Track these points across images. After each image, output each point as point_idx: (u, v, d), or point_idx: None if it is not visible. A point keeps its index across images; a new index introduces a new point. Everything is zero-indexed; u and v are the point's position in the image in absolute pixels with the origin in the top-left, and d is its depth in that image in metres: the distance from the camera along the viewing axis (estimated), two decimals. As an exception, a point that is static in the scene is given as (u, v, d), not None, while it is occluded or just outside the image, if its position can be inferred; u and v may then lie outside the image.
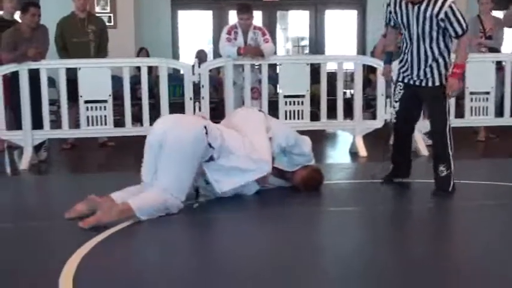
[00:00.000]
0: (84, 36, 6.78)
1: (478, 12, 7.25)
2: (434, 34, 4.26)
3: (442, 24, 4.19)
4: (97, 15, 7.79)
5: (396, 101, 4.58)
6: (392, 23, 4.54)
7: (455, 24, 4.19)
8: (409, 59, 4.41)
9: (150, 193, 3.71)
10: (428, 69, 4.35)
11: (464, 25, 4.21)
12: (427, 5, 4.19)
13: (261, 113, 4.57)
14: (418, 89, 4.44)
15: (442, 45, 4.31)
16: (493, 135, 7.24)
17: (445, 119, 4.35)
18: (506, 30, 7.24)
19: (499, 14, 7.43)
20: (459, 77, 4.32)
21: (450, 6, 4.15)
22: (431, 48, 4.31)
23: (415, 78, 4.42)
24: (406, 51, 4.42)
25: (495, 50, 7.09)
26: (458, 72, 4.30)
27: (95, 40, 6.82)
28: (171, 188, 3.71)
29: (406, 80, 4.49)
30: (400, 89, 4.54)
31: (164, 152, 3.73)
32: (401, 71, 4.51)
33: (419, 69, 4.38)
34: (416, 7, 4.23)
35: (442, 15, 4.15)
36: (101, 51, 6.86)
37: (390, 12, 4.46)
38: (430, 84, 4.38)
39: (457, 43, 4.41)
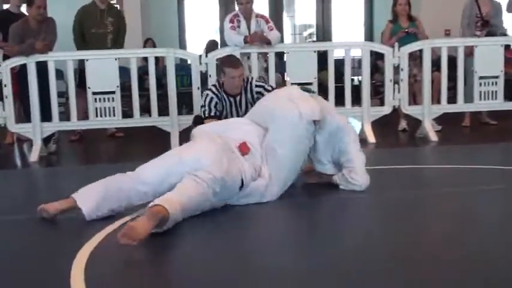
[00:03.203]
0: (103, 28, 6.76)
1: None
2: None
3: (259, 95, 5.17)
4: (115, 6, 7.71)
5: None
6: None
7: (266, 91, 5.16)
8: None
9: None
10: None
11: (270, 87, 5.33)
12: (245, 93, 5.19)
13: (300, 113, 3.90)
14: None
15: None
16: (494, 122, 7.13)
17: None
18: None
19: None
20: None
21: (256, 84, 5.24)
22: None
23: None
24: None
25: (493, 33, 6.86)
26: None
27: (112, 32, 6.80)
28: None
29: None
30: None
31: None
32: None
33: None
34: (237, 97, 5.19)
35: (256, 90, 5.20)
36: (118, 43, 6.84)
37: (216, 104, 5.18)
38: None
39: None
